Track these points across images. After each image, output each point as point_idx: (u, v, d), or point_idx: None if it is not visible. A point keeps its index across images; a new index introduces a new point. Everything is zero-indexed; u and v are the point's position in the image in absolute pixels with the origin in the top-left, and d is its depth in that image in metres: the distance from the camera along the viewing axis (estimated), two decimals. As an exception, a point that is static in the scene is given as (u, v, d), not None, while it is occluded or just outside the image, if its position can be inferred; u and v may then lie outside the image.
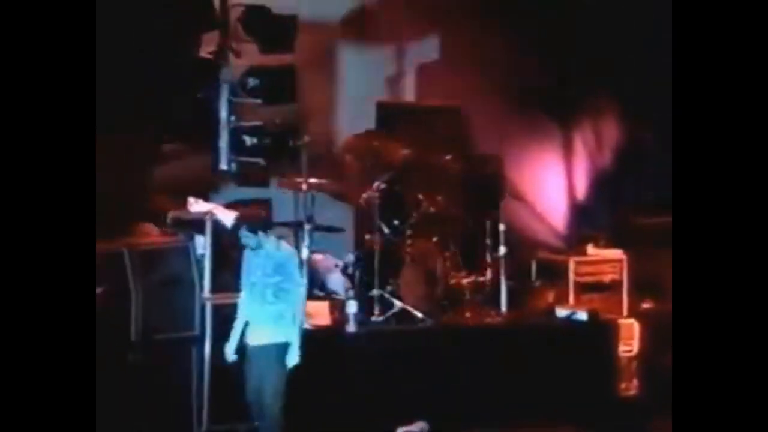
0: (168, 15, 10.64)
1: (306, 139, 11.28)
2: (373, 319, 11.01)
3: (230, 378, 10.19)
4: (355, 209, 12.09)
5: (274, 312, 9.41)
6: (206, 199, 10.75)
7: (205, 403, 10.21)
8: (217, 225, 10.39)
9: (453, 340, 10.97)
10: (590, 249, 12.17)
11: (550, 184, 13.64)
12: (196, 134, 10.98)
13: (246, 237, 9.50)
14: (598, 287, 11.96)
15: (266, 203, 11.47)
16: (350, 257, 11.46)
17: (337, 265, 11.42)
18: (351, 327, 10.77)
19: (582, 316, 11.42)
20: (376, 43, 13.05)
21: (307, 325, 9.77)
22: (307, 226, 11.24)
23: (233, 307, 10.09)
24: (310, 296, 11.02)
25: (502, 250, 11.66)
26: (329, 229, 11.77)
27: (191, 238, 10.41)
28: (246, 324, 9.50)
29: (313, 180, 11.32)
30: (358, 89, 12.80)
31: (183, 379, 10.22)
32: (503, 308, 11.60)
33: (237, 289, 9.70)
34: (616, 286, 11.99)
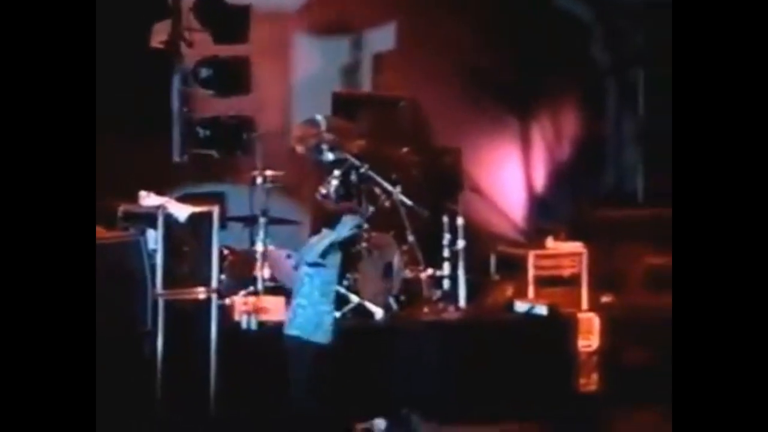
0: (118, 3, 10.46)
1: (260, 131, 11.18)
2: (330, 314, 10.88)
3: (182, 372, 10.11)
4: (311, 202, 11.96)
5: None
6: (158, 192, 10.57)
7: (158, 399, 10.08)
8: (170, 219, 10.26)
9: (411, 335, 10.87)
10: (550, 242, 12.11)
11: (509, 176, 13.59)
12: (147, 126, 10.85)
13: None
14: (557, 281, 11.90)
15: (220, 197, 11.36)
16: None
17: (289, 256, 11.28)
18: (307, 322, 10.65)
19: (541, 310, 11.35)
20: (331, 33, 12.93)
21: None
22: (262, 220, 11.12)
23: (189, 303, 10.04)
24: (266, 290, 10.99)
25: (461, 243, 11.59)
26: (285, 222, 11.66)
27: (142, 233, 10.25)
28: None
29: (268, 173, 11.20)
30: (314, 80, 12.68)
31: (135, 374, 10.06)
32: (462, 303, 11.51)
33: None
34: (575, 279, 11.92)
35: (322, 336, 9.50)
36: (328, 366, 9.48)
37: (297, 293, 9.57)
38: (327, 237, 9.51)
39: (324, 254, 9.43)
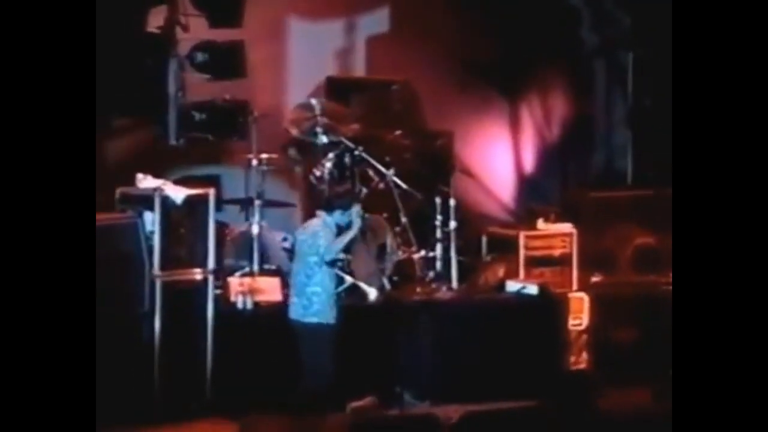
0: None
1: (255, 114, 11.27)
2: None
3: (179, 352, 10.23)
4: (305, 185, 12.07)
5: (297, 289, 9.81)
6: (155, 175, 10.68)
7: (156, 379, 10.20)
8: (166, 201, 10.36)
9: (403, 315, 10.98)
10: (540, 223, 12.19)
11: (500, 158, 13.67)
12: (144, 110, 10.92)
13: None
14: (548, 261, 12.00)
15: (215, 180, 11.46)
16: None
17: (285, 239, 11.41)
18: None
19: (532, 290, 11.46)
20: (325, 17, 13.01)
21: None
22: (257, 202, 11.23)
23: (186, 284, 10.17)
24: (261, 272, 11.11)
25: (453, 224, 11.69)
26: (279, 204, 11.77)
27: (140, 215, 10.36)
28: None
29: (263, 155, 11.31)
30: (308, 64, 12.76)
31: (133, 355, 10.16)
32: (454, 283, 11.63)
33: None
34: (566, 260, 12.02)
35: (334, 317, 9.72)
36: (340, 343, 9.72)
37: (307, 281, 9.70)
38: (346, 235, 9.76)
39: (345, 250, 9.72)
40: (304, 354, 9.72)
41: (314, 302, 9.69)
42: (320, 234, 9.73)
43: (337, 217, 9.84)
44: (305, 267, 9.74)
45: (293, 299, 9.83)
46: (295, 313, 9.77)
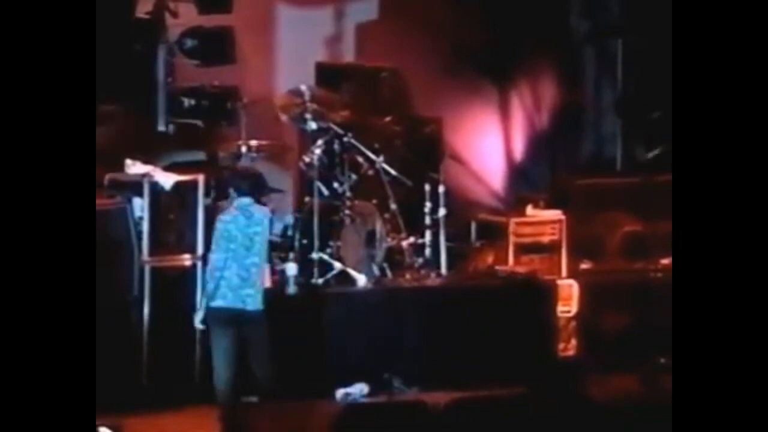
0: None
1: (245, 100, 11.28)
2: (313, 281, 11.00)
3: (168, 337, 10.24)
4: (294, 171, 12.08)
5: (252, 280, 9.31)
6: (144, 161, 10.68)
7: (144, 365, 10.21)
8: (155, 187, 10.37)
9: (393, 302, 11.00)
10: (529, 210, 12.23)
11: (489, 145, 13.69)
12: (132, 96, 10.93)
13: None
14: (537, 248, 12.03)
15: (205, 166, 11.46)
16: (289, 219, 11.48)
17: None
18: (290, 289, 10.80)
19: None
20: (314, 4, 13.01)
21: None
22: (246, 188, 11.23)
23: (175, 270, 10.16)
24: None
25: (442, 211, 11.71)
26: (270, 190, 11.75)
27: (129, 201, 10.37)
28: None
29: (252, 142, 11.32)
30: (297, 50, 12.76)
31: (122, 340, 10.17)
32: (443, 270, 11.65)
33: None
34: (555, 246, 12.05)
35: None
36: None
37: (259, 271, 9.38)
38: None
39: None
40: (265, 341, 9.46)
41: (259, 291, 9.39)
42: (267, 223, 9.56)
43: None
44: (261, 260, 9.41)
45: (248, 291, 9.31)
46: (253, 304, 9.39)
